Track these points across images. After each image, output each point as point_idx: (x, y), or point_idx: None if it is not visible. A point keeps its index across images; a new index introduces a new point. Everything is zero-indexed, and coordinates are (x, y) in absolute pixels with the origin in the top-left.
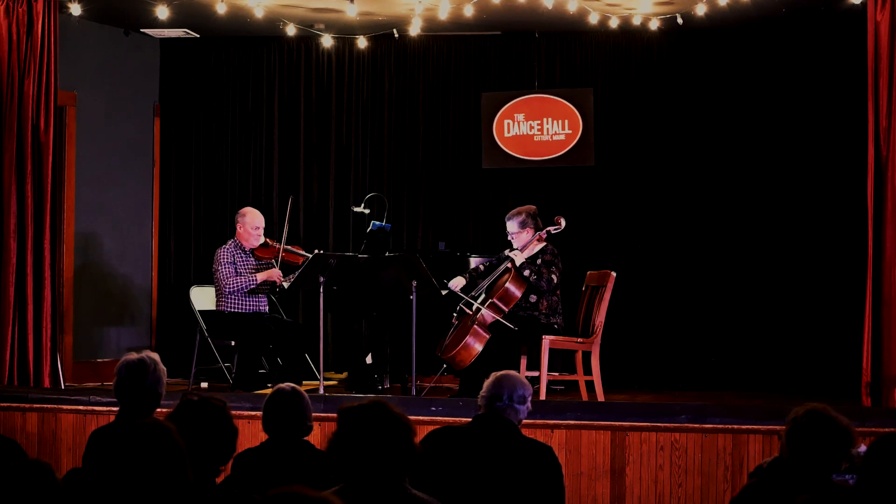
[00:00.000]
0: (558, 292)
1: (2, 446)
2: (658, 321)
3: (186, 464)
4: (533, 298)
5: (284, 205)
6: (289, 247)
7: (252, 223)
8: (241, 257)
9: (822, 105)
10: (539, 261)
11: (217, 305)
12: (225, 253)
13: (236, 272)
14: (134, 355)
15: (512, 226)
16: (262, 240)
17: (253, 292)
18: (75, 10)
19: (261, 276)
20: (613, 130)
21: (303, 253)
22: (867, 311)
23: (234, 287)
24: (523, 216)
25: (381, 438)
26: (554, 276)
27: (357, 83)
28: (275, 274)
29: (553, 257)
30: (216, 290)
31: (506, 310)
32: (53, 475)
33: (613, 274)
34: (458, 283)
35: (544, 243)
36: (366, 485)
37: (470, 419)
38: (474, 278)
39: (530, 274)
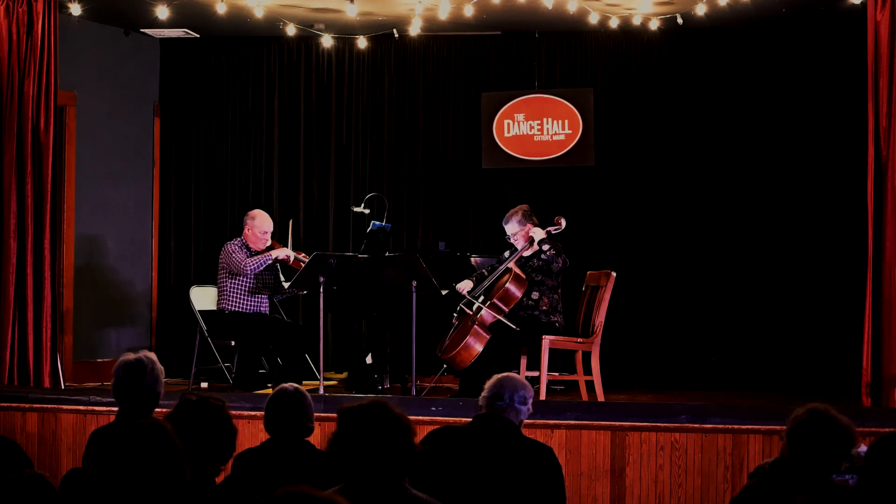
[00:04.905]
0: (559, 290)
1: (2, 447)
2: (658, 321)
3: (184, 463)
4: (535, 295)
5: (285, 205)
6: (295, 253)
7: (261, 227)
8: (248, 255)
9: (822, 105)
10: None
11: (217, 305)
12: (233, 246)
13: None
14: (131, 355)
15: (512, 227)
16: (268, 244)
17: (254, 292)
18: (75, 10)
19: (275, 253)
20: (613, 130)
21: (307, 259)
22: (867, 311)
23: (253, 266)
24: (520, 215)
25: (381, 438)
26: (566, 262)
27: (357, 83)
28: (287, 251)
29: (561, 246)
30: (219, 289)
31: (506, 310)
32: (52, 487)
33: (613, 274)
34: (465, 286)
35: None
36: (366, 485)
37: (470, 419)
38: (480, 280)
39: (549, 249)
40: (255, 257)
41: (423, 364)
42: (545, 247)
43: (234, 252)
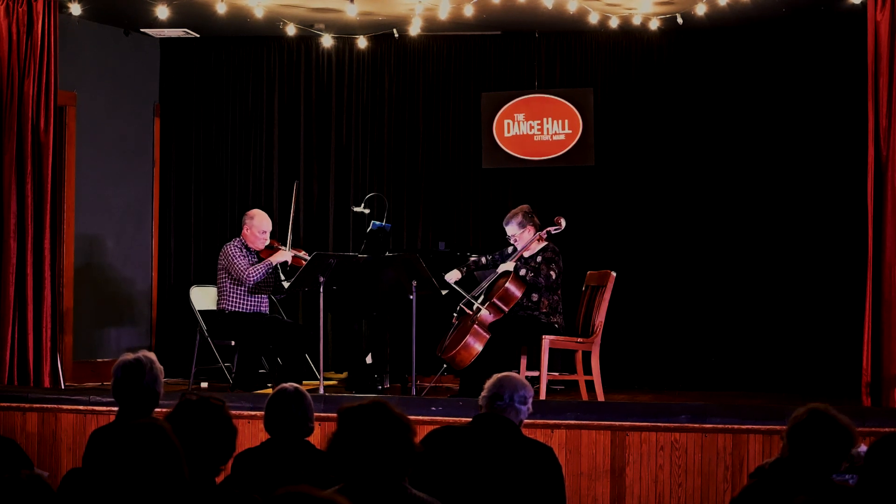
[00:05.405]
0: (559, 291)
1: (2, 447)
2: (658, 321)
3: (182, 462)
4: (535, 297)
5: (285, 205)
6: (294, 251)
7: (259, 227)
8: (248, 256)
9: (822, 105)
10: (539, 258)
11: (218, 305)
12: (233, 248)
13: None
14: (130, 355)
15: (512, 228)
16: (267, 242)
17: (253, 292)
18: (75, 10)
19: (276, 259)
20: (613, 130)
21: (307, 257)
22: (867, 311)
23: (255, 275)
24: (520, 216)
25: (381, 438)
26: (553, 273)
27: (357, 83)
28: (286, 255)
29: (554, 255)
30: (219, 289)
31: (506, 310)
32: (49, 488)
33: (613, 274)
34: (453, 276)
35: (545, 242)
36: (366, 485)
37: (470, 419)
38: (472, 271)
39: (527, 273)
40: (257, 266)
41: (423, 364)
42: (522, 272)
43: (235, 257)
